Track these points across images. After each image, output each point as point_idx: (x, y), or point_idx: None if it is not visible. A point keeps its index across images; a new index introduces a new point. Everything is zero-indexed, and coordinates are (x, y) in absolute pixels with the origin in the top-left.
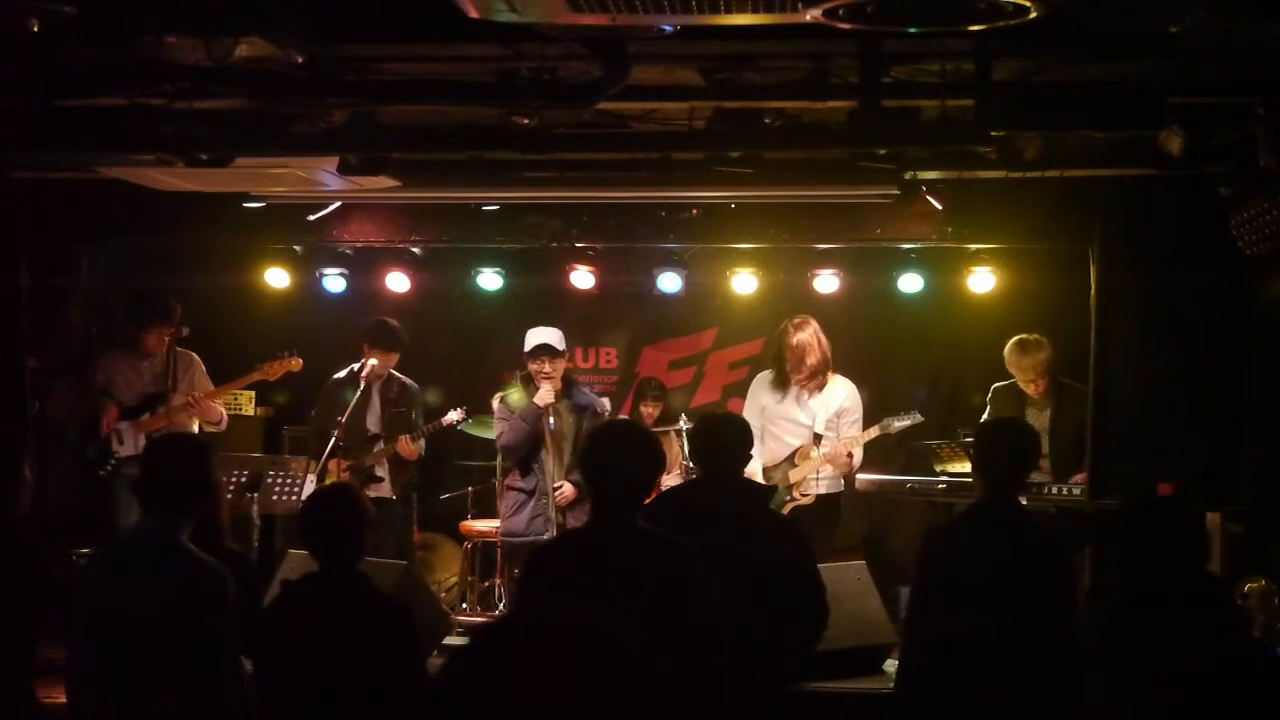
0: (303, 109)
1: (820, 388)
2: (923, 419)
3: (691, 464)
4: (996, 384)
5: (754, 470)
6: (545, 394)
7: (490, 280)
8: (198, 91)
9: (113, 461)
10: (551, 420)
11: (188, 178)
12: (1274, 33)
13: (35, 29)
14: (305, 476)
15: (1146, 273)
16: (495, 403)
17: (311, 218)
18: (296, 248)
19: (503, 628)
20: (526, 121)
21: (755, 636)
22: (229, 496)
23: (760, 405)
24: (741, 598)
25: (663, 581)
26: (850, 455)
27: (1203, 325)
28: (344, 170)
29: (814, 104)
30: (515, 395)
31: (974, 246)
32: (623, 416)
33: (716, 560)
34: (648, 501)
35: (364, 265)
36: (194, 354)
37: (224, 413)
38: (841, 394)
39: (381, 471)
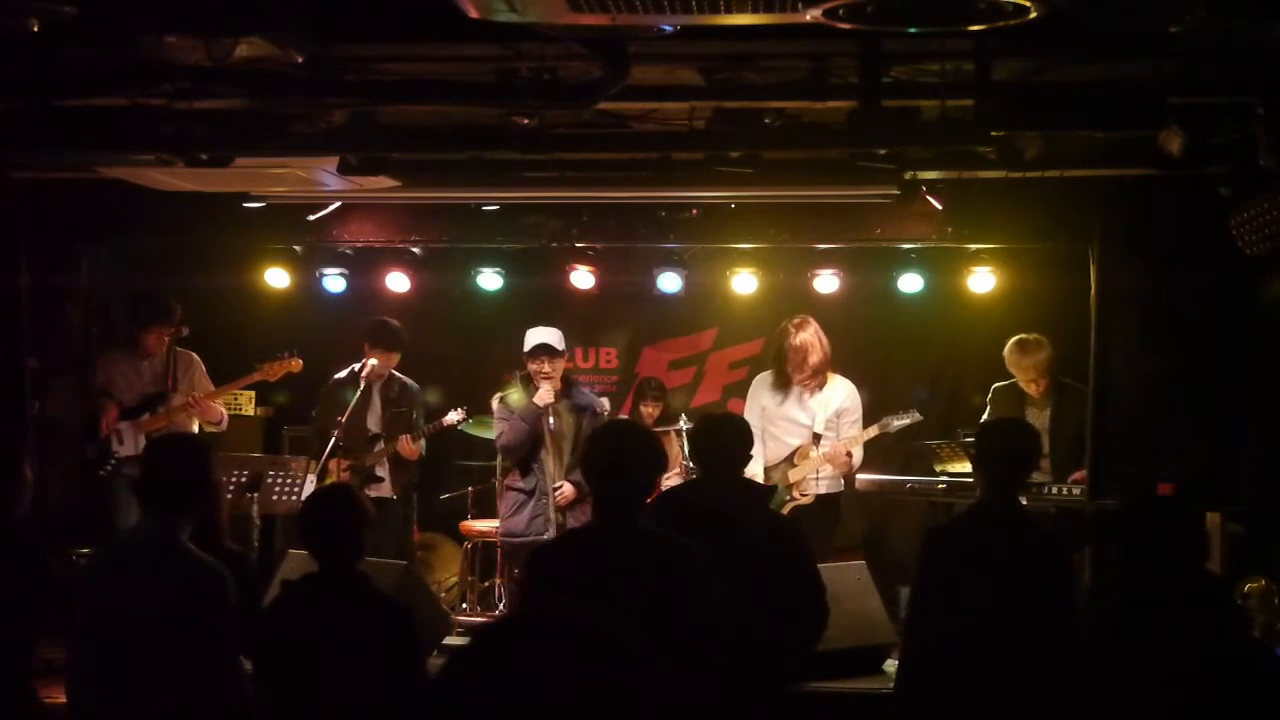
0: (303, 109)
1: (820, 387)
2: (921, 418)
3: (691, 464)
4: (997, 384)
5: (754, 471)
6: (545, 394)
7: (490, 280)
8: (198, 91)
9: (113, 461)
10: (551, 420)
11: (188, 178)
12: (1274, 33)
13: (35, 29)
14: (305, 476)
15: (1146, 273)
16: (495, 403)
17: (311, 218)
18: (296, 248)
19: (503, 628)
20: (526, 121)
21: (755, 636)
22: (229, 496)
23: (760, 405)
24: (741, 598)
25: (664, 581)
26: (850, 454)
27: (1203, 325)
28: (344, 170)
29: (814, 104)
30: (515, 395)
31: (974, 246)
32: (622, 416)
33: (716, 560)
34: (648, 501)
35: (364, 265)
36: (194, 354)
37: (224, 413)
38: (841, 394)
39: (382, 471)
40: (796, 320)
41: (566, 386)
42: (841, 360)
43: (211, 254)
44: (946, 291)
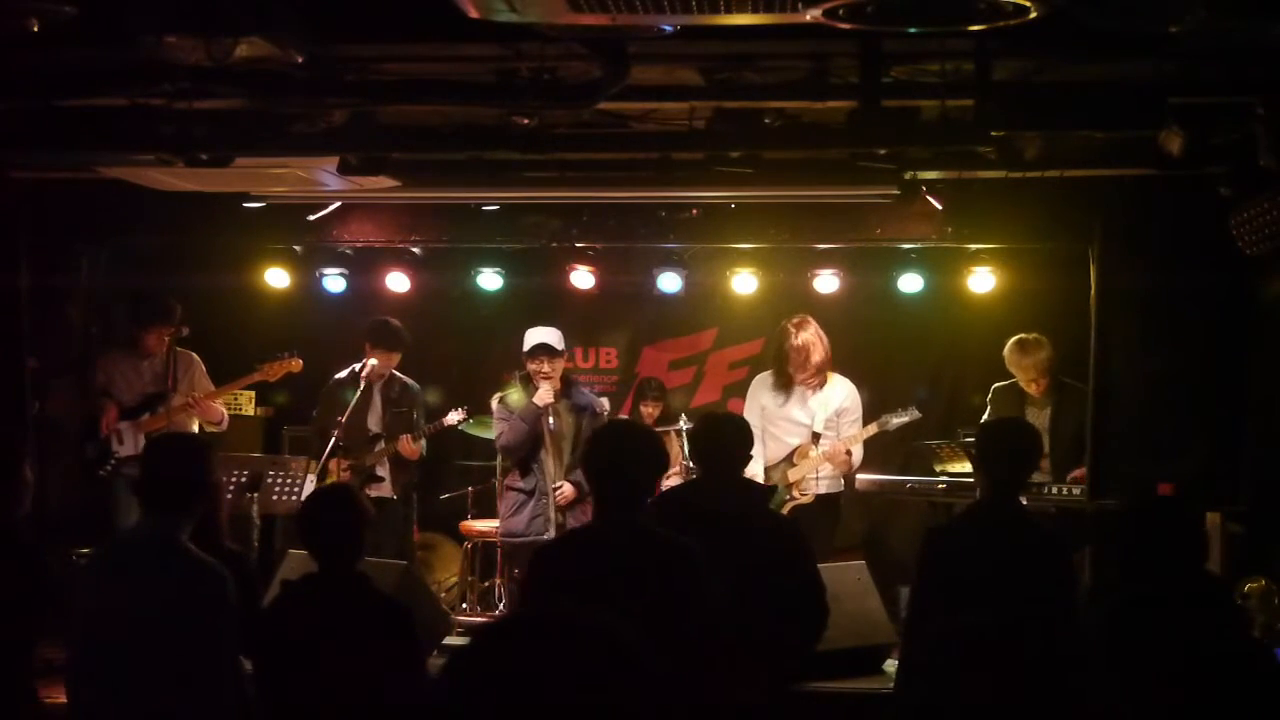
0: (303, 109)
1: (821, 386)
2: (920, 415)
3: (691, 464)
4: (997, 384)
5: (754, 471)
6: (544, 394)
7: (490, 280)
8: (198, 91)
9: (113, 461)
10: (551, 420)
11: (188, 178)
12: (1274, 33)
13: (35, 29)
14: (305, 476)
15: (1146, 273)
16: (494, 403)
17: (311, 218)
18: (296, 248)
19: (503, 628)
20: (526, 121)
21: (755, 636)
22: (229, 496)
23: (760, 405)
24: (741, 598)
25: (665, 581)
26: (849, 453)
27: (1203, 325)
28: (344, 170)
29: (814, 104)
30: (514, 395)
31: (974, 246)
32: (622, 416)
33: (716, 560)
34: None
35: (364, 265)
36: (194, 354)
37: (225, 413)
38: (841, 393)
39: (382, 471)
40: (796, 320)
41: (566, 386)
42: (841, 360)
43: (211, 254)
44: (946, 291)
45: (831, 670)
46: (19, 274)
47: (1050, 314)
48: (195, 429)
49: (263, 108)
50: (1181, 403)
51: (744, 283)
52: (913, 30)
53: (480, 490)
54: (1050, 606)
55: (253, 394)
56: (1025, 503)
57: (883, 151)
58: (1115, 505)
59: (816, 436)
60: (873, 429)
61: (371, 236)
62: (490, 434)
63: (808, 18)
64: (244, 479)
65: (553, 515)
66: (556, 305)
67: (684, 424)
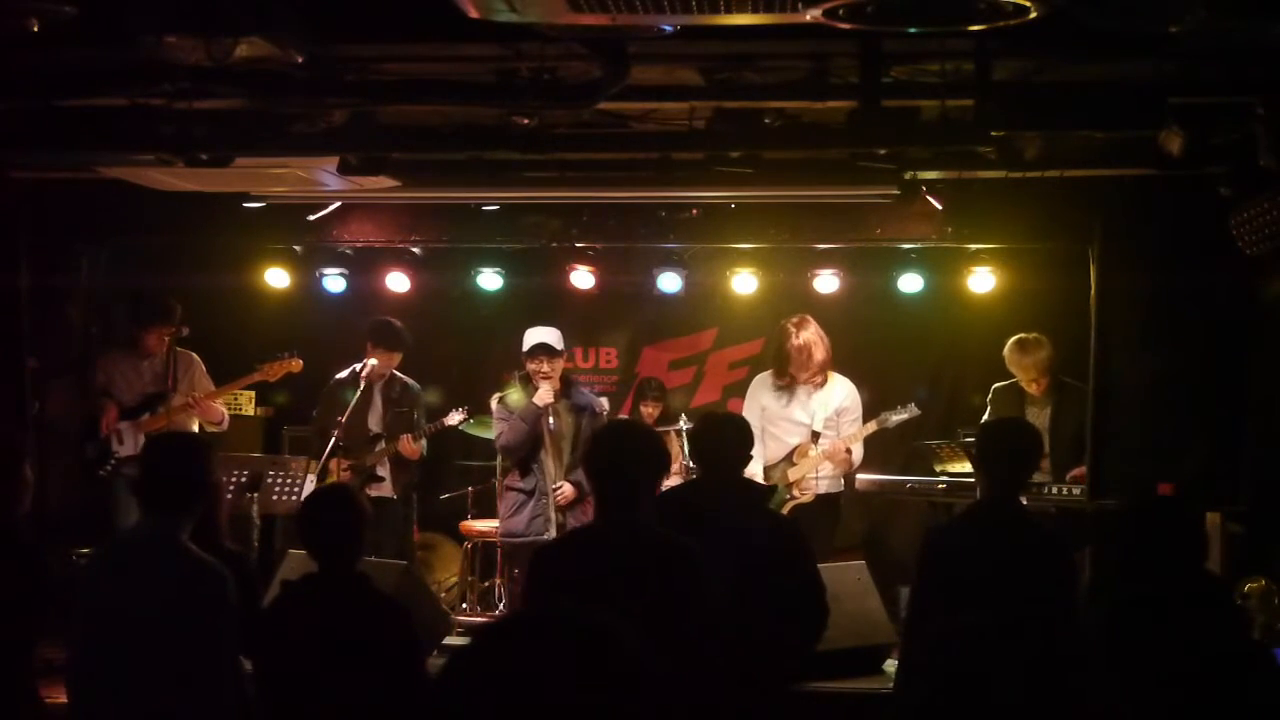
0: (303, 109)
1: (821, 385)
2: (920, 411)
3: (691, 464)
4: (997, 384)
5: (754, 471)
6: (544, 394)
7: (490, 280)
8: (198, 91)
9: (113, 461)
10: (551, 420)
11: (188, 178)
12: (1274, 33)
13: (35, 29)
14: (305, 476)
15: (1146, 273)
16: (494, 403)
17: (311, 218)
18: (296, 248)
19: (503, 628)
20: (526, 121)
21: (755, 636)
22: (229, 496)
23: (760, 405)
24: (741, 598)
25: (665, 581)
26: (849, 451)
27: (1203, 325)
28: (344, 170)
29: (814, 104)
30: (514, 395)
31: (974, 246)
32: (622, 416)
33: (716, 560)
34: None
35: (364, 265)
36: (194, 354)
37: (225, 413)
38: (841, 393)
39: (383, 471)
40: (795, 320)
41: (565, 386)
42: (841, 360)
43: (211, 254)
44: (946, 291)
45: (831, 670)
46: (19, 274)
47: (1050, 314)
48: (195, 429)
49: (263, 108)
50: (1181, 403)
51: (744, 283)
52: (913, 30)
53: (480, 490)
54: (1050, 606)
55: (253, 394)
56: (1025, 503)
57: (883, 151)
58: (1115, 505)
59: (816, 435)
60: (872, 426)
61: (371, 236)
62: (490, 434)
63: (808, 18)
64: (244, 479)
65: (553, 515)
66: (556, 305)
67: (684, 424)
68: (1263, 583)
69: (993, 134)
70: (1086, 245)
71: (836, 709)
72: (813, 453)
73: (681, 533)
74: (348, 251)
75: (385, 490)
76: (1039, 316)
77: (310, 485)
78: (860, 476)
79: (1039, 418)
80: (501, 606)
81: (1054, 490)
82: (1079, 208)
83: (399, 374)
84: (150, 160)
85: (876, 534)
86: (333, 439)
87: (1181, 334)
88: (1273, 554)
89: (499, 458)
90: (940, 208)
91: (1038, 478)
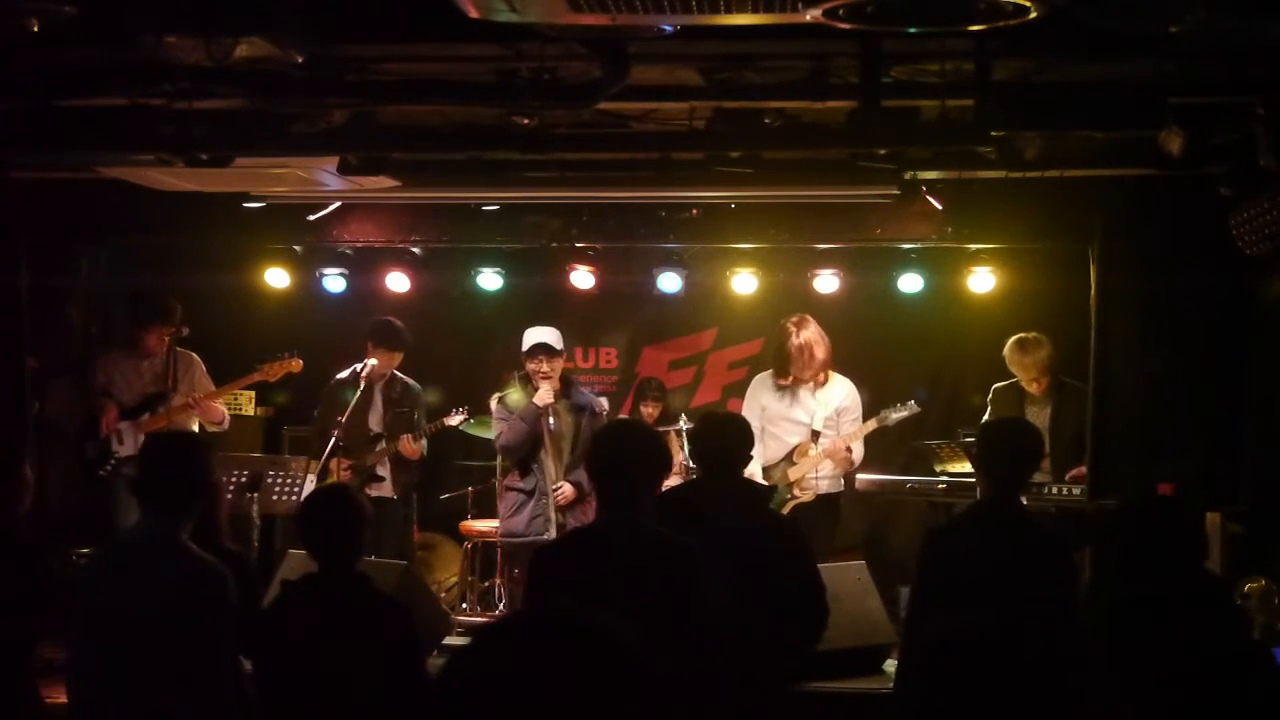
0: (303, 109)
1: (821, 385)
2: (920, 408)
3: (691, 464)
4: (997, 384)
5: (753, 470)
6: (544, 394)
7: (490, 280)
8: (198, 91)
9: (113, 461)
10: (551, 421)
11: (188, 178)
12: (1274, 33)
13: (35, 29)
14: (305, 476)
15: (1146, 273)
16: (493, 403)
17: (311, 218)
18: (296, 248)
19: (503, 628)
20: (526, 121)
21: (755, 636)
22: (229, 496)
23: (760, 405)
24: (741, 598)
25: (665, 581)
26: (849, 450)
27: (1203, 325)
28: (344, 170)
29: (814, 104)
30: (514, 395)
31: (974, 246)
32: (622, 416)
33: (716, 560)
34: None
35: (364, 265)
36: (194, 354)
37: (226, 412)
38: (841, 393)
39: (383, 471)
40: (795, 319)
41: (565, 386)
42: (841, 360)
43: (211, 254)
44: (946, 291)
45: (831, 670)
46: (19, 274)
47: (1050, 314)
48: (195, 429)
49: (263, 108)
50: (1181, 403)
51: (744, 283)
52: (913, 30)
53: (480, 490)
54: (1050, 606)
55: (253, 394)
56: (1025, 503)
57: (883, 151)
58: (1115, 505)
59: (816, 435)
60: (872, 424)
61: (371, 236)
62: (490, 434)
63: (808, 18)
64: (244, 479)
65: (553, 515)
66: (556, 305)
67: (684, 424)
68: (1263, 583)
69: (993, 134)
70: (1086, 245)
71: (836, 709)
72: (813, 452)
73: (681, 533)
74: (348, 251)
75: (385, 490)
76: (1039, 316)
77: (310, 485)
78: (860, 476)
79: (1039, 417)
80: (501, 606)
81: (1054, 490)
82: (1079, 208)
83: (399, 374)
84: (150, 160)
85: (876, 534)
86: (333, 439)
87: (1181, 334)
88: (1273, 554)
89: (499, 458)
90: (940, 208)
91: (1038, 478)
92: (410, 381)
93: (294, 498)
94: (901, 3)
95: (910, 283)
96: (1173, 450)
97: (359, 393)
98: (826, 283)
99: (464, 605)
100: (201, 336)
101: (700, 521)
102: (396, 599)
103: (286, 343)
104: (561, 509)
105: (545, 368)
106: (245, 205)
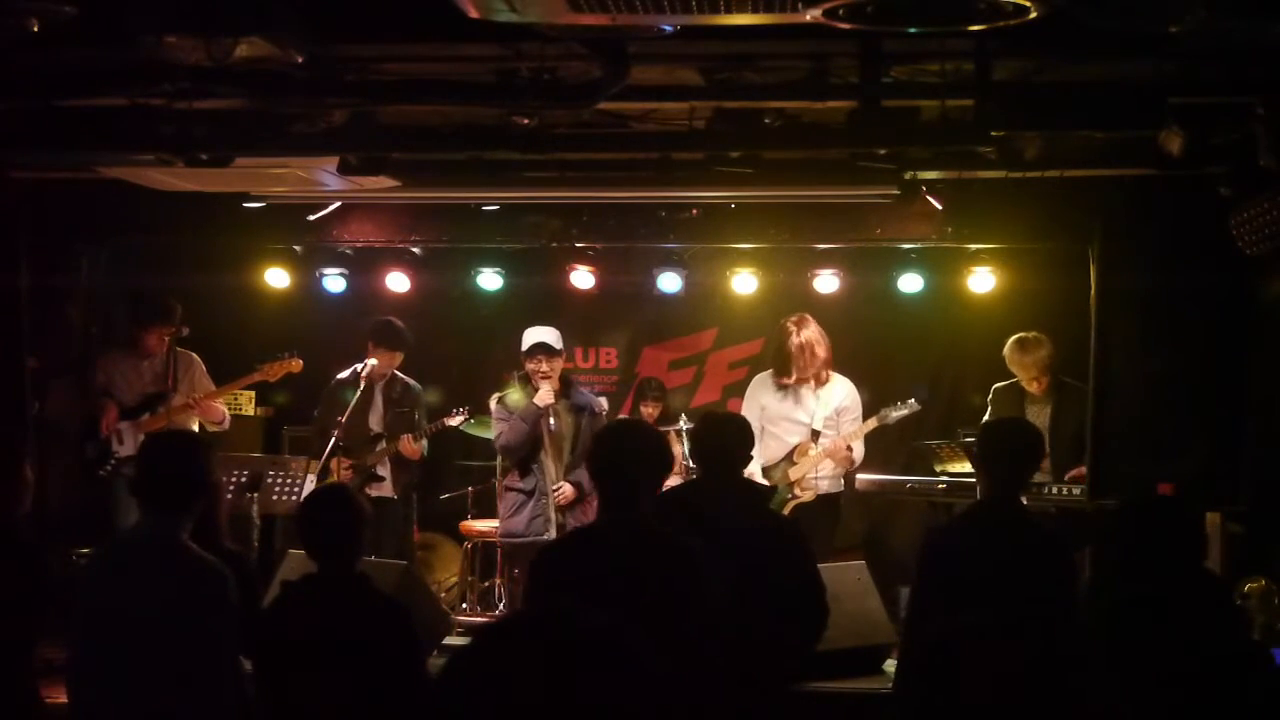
0: (303, 109)
1: (822, 384)
2: (920, 406)
3: (691, 464)
4: (997, 384)
5: (753, 470)
6: (545, 395)
7: (490, 280)
8: (198, 91)
9: (113, 461)
10: (552, 421)
11: (188, 178)
12: (1274, 33)
13: (35, 29)
14: (305, 476)
15: (1146, 273)
16: (493, 403)
17: (311, 218)
18: (296, 248)
19: (503, 628)
20: (526, 121)
21: (755, 636)
22: (229, 496)
23: (760, 405)
24: (741, 598)
25: (665, 581)
26: (850, 449)
27: (1203, 325)
28: (344, 170)
29: (814, 104)
30: (514, 395)
31: (974, 246)
32: (622, 416)
33: (716, 560)
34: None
35: (364, 265)
36: (194, 354)
37: (226, 412)
38: (841, 392)
39: (383, 471)
40: (795, 319)
41: (565, 386)
42: (841, 360)
43: (211, 254)
44: (946, 291)
45: (831, 670)
46: (19, 274)
47: (1050, 314)
48: (195, 429)
49: (263, 108)
50: (1181, 403)
51: (744, 283)
52: (913, 30)
53: (480, 490)
54: (1050, 606)
55: (253, 394)
56: (1025, 502)
57: (883, 151)
58: (1115, 505)
59: (816, 434)
60: (873, 423)
61: (371, 236)
62: (490, 434)
63: (808, 18)
64: (244, 479)
65: (552, 515)
66: (556, 305)
67: (684, 424)
68: (1263, 583)
69: (993, 134)
70: (1086, 245)
71: (836, 709)
72: (813, 451)
73: (682, 533)
74: (348, 251)
75: (385, 490)
76: (1039, 316)
77: (310, 485)
78: (860, 476)
79: (1039, 417)
80: (501, 606)
81: (1054, 490)
82: (1079, 208)
83: (400, 374)
84: (150, 160)
85: (876, 534)
86: (333, 439)
87: (1181, 334)
88: (1273, 554)
89: (499, 458)
90: (940, 208)
91: (1038, 478)
92: (411, 381)
93: (294, 498)
94: (901, 3)
95: (910, 283)
96: (1173, 450)
97: (359, 393)
98: (826, 283)
99: (464, 605)
100: (201, 336)
101: (700, 521)
102: (396, 599)
103: (286, 343)
104: (561, 509)
105: (545, 367)
106: (245, 205)
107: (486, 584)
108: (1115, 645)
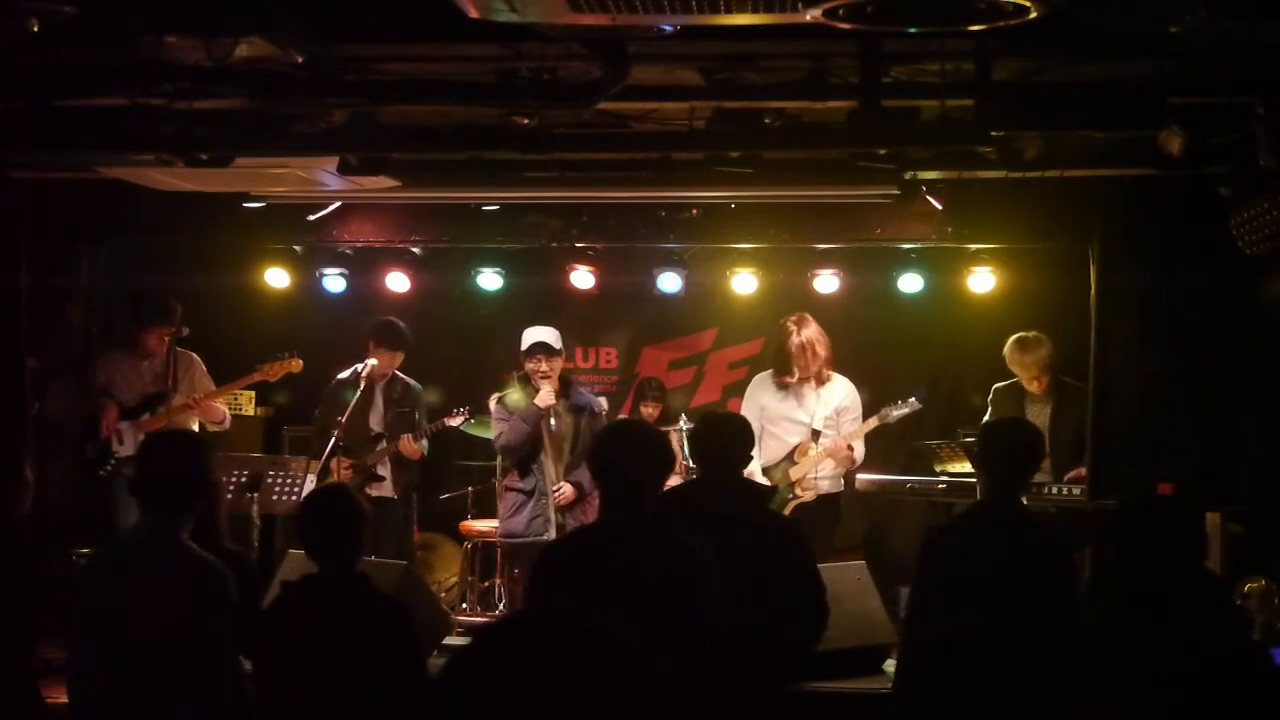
0: (303, 109)
1: (822, 384)
2: (921, 405)
3: (691, 464)
4: (998, 384)
5: (753, 470)
6: (546, 395)
7: (490, 280)
8: (198, 91)
9: (113, 461)
10: (553, 422)
11: (188, 178)
12: (1274, 33)
13: (35, 29)
14: (305, 476)
15: (1146, 273)
16: (492, 403)
17: (311, 218)
18: (296, 248)
19: (503, 628)
20: (526, 121)
21: (755, 636)
22: (229, 496)
23: (760, 405)
24: (742, 598)
25: (666, 581)
26: (851, 448)
27: (1203, 325)
28: (344, 170)
29: (814, 104)
30: (513, 395)
31: (974, 246)
32: (622, 416)
33: (717, 560)
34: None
35: (364, 265)
36: (194, 354)
37: (227, 412)
38: (841, 392)
39: (384, 471)
40: (795, 318)
41: (564, 387)
42: (841, 360)
43: (211, 254)
44: (946, 291)
45: (831, 670)
46: (19, 274)
47: (1050, 314)
48: (195, 429)
49: (263, 108)
50: (1181, 403)
51: (744, 283)
52: (913, 30)
53: (480, 490)
54: (1050, 606)
55: (253, 394)
56: (1025, 502)
57: (883, 151)
58: (1115, 505)
59: (816, 434)
60: (874, 422)
61: (371, 236)
62: (490, 434)
63: (808, 18)
64: (244, 479)
65: (552, 516)
66: (556, 305)
67: (684, 424)
68: (1263, 583)
69: (993, 134)
70: (1086, 245)
71: (836, 709)
72: (814, 451)
73: (682, 533)
74: (348, 251)
75: (385, 490)
76: (1039, 316)
77: (310, 485)
78: (860, 476)
79: (1039, 417)
80: (501, 606)
81: (1054, 490)
82: (1079, 208)
83: (400, 374)
84: (150, 160)
85: (876, 534)
86: (333, 439)
87: (1181, 334)
88: (1273, 554)
89: (499, 458)
90: (940, 208)
91: (1038, 478)
92: (411, 381)
93: (294, 498)
94: (901, 3)
95: (910, 283)
96: (1173, 450)
97: (360, 392)
98: (826, 283)
99: (464, 605)
100: (201, 336)
101: (700, 522)
102: (396, 599)
103: (286, 343)
104: (561, 509)
105: (544, 367)
106: (245, 205)
107: (486, 584)
108: (1115, 645)
